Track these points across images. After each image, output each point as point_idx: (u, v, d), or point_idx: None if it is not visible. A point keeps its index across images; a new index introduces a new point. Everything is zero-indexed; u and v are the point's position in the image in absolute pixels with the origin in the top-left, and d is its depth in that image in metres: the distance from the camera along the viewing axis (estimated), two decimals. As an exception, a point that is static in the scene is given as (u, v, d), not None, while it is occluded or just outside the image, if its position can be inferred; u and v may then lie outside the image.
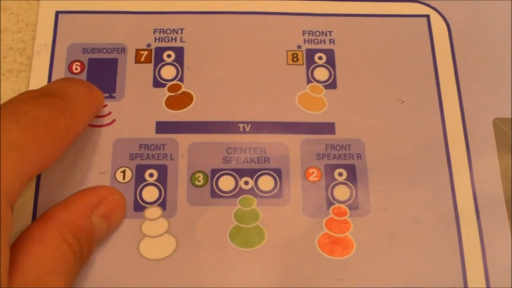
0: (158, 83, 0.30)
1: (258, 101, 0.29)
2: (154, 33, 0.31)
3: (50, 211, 0.24)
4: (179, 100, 0.29)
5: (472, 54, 0.31)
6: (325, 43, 0.31)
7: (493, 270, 0.27)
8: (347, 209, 0.28)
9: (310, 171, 0.28)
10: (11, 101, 0.23)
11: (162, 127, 0.29)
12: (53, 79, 0.29)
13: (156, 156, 0.28)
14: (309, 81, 0.30)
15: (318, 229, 0.27)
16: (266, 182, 0.28)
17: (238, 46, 0.31)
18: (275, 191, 0.28)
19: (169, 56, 0.30)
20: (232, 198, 0.27)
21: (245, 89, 0.30)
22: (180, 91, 0.29)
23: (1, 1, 0.31)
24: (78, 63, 0.30)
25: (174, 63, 0.30)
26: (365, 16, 0.32)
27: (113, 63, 0.30)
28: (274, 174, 0.28)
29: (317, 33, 0.31)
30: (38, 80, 0.29)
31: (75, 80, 0.26)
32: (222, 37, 0.31)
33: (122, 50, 0.30)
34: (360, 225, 0.27)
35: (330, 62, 0.31)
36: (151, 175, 0.28)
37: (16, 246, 0.22)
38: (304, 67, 0.30)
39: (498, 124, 0.29)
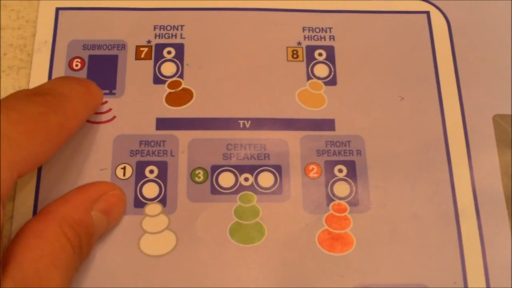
0: (158, 79, 0.30)
1: (258, 98, 0.29)
2: (154, 30, 0.31)
3: (49, 206, 0.24)
4: (179, 96, 0.29)
5: (472, 51, 0.31)
6: (325, 39, 0.31)
7: (492, 267, 0.27)
8: (347, 205, 0.28)
9: (310, 167, 0.28)
10: (2, 99, 0.23)
11: (162, 123, 0.29)
12: (54, 75, 0.29)
13: (156, 153, 0.28)
14: (309, 78, 0.30)
15: (318, 225, 0.27)
16: (266, 179, 0.28)
17: (238, 43, 0.31)
18: (275, 188, 0.28)
19: (169, 52, 0.30)
20: (232, 195, 0.28)
21: (245, 86, 0.30)
22: (180, 88, 0.30)
23: (2, -2, 0.32)
24: (79, 60, 0.30)
25: (174, 59, 0.30)
26: (365, 12, 0.32)
27: (114, 59, 0.30)
28: (274, 171, 0.28)
29: (317, 30, 0.31)
30: (38, 76, 0.29)
31: (71, 79, 0.27)
32: (222, 33, 0.31)
33: (123, 46, 0.30)
34: (360, 222, 0.27)
35: (330, 58, 0.31)
36: (151, 171, 0.28)
37: (16, 240, 0.22)
38: (304, 64, 0.30)
39: (498, 120, 0.29)
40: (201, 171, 0.28)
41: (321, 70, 0.30)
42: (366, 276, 0.26)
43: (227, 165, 0.28)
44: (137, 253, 0.26)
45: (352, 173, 0.28)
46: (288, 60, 0.30)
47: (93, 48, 0.30)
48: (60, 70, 0.30)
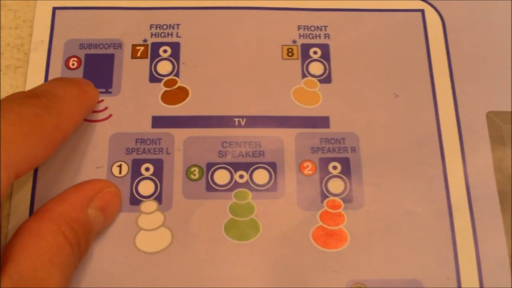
0: (154, 78, 0.30)
1: (253, 96, 0.30)
2: (150, 29, 0.31)
3: (46, 205, 0.25)
4: (175, 95, 0.30)
5: (466, 48, 0.31)
6: (320, 38, 0.31)
7: (485, 262, 0.27)
8: (341, 202, 0.28)
9: (305, 164, 0.28)
10: (2, 101, 0.23)
11: (158, 121, 0.29)
12: (50, 74, 0.30)
13: (152, 151, 0.28)
14: (304, 76, 0.30)
15: (313, 221, 0.27)
16: (261, 176, 0.28)
17: (233, 41, 0.31)
18: (270, 185, 0.28)
19: (165, 51, 0.31)
20: (227, 192, 0.28)
21: (240, 84, 0.30)
22: (176, 86, 0.30)
23: (-1, -2, 0.32)
24: (75, 59, 0.30)
25: (170, 58, 0.30)
26: (360, 11, 0.32)
27: (110, 58, 0.30)
28: (269, 168, 0.28)
29: (312, 28, 0.31)
30: (35, 75, 0.30)
31: (66, 80, 0.27)
32: (217, 32, 0.31)
33: (119, 45, 0.31)
34: (354, 218, 0.28)
35: (325, 56, 0.31)
36: (147, 169, 0.28)
37: (13, 239, 0.23)
38: (299, 62, 0.31)
39: (492, 117, 0.29)
40: (196, 169, 0.28)
41: (316, 68, 0.31)
42: (360, 272, 0.27)
43: (222, 162, 0.28)
44: (133, 250, 0.27)
45: (347, 170, 0.28)
46: (283, 58, 0.31)
47: (90, 47, 0.30)
48: (56, 69, 0.30)
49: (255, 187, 0.28)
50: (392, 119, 0.29)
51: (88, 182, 0.27)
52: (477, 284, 0.27)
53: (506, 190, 0.28)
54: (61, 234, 0.23)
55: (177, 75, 0.30)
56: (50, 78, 0.30)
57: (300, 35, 0.31)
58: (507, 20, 0.32)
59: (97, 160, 0.28)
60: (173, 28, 0.31)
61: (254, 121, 0.29)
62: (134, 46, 0.31)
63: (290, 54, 0.31)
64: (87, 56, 0.30)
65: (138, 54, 0.30)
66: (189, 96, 0.30)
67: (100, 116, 0.29)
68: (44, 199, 0.26)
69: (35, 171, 0.28)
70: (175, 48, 0.31)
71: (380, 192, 0.28)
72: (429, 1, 0.32)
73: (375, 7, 0.32)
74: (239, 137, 0.29)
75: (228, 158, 0.28)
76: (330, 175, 0.28)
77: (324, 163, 0.29)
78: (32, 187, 0.27)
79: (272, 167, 0.28)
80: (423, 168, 0.29)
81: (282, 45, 0.31)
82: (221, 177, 0.28)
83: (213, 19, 0.31)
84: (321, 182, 0.28)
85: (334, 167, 0.28)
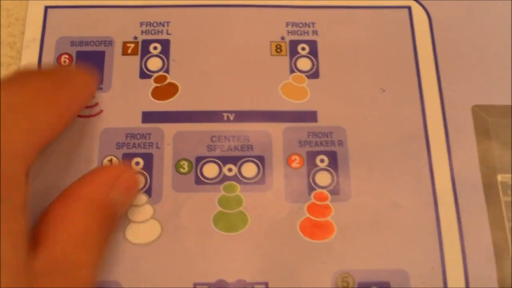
0: (144, 74, 0.30)
1: (242, 91, 0.30)
2: (141, 26, 0.32)
3: (71, 188, 0.25)
4: (165, 90, 0.30)
5: (452, 43, 0.32)
6: (308, 34, 0.32)
7: (470, 252, 0.27)
8: (328, 194, 0.28)
9: (293, 157, 0.29)
10: (12, 74, 0.24)
11: (148, 117, 0.29)
12: (42, 71, 0.30)
13: (142, 145, 0.29)
14: (292, 71, 0.31)
15: (300, 214, 0.28)
16: (249, 169, 0.29)
17: (223, 39, 0.31)
18: (258, 178, 0.28)
19: (155, 48, 0.31)
20: (216, 185, 0.28)
21: (229, 80, 0.30)
22: (166, 82, 0.30)
23: (-9, -3, 0.32)
24: (67, 56, 0.31)
25: (160, 55, 0.31)
26: (348, 8, 0.32)
27: (101, 55, 0.31)
28: (257, 161, 0.29)
29: (300, 25, 0.32)
30: (27, 72, 0.30)
31: (69, 66, 0.28)
32: (207, 29, 0.32)
33: (110, 42, 0.31)
34: (341, 210, 0.28)
35: (313, 52, 0.31)
36: (137, 163, 0.28)
37: (41, 222, 0.23)
38: (287, 58, 0.31)
39: (477, 111, 0.30)
40: (185, 163, 0.29)
41: (304, 63, 0.31)
42: (347, 262, 0.27)
43: (211, 156, 0.29)
44: (122, 242, 0.27)
45: (334, 163, 0.29)
46: (271, 55, 0.31)
47: (81, 44, 0.31)
48: (48, 66, 0.30)
49: (243, 180, 0.28)
50: (379, 114, 0.30)
51: (109, 166, 0.27)
52: (462, 274, 0.27)
53: (491, 182, 0.29)
54: (89, 215, 0.23)
55: (167, 71, 0.30)
56: (41, 74, 0.30)
57: (288, 32, 0.32)
58: (492, 16, 0.32)
59: (88, 154, 0.29)
60: (163, 26, 0.32)
61: (242, 116, 0.30)
62: (124, 43, 0.31)
63: (278, 50, 0.31)
64: (78, 53, 0.31)
65: (129, 51, 0.31)
66: (179, 92, 0.30)
67: (91, 111, 0.29)
68: (34, 193, 0.26)
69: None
70: (165, 45, 0.31)
71: (367, 185, 0.28)
72: (416, -2, 0.33)
73: (362, 4, 0.32)
74: (228, 131, 0.29)
75: (217, 152, 0.29)
76: (318, 168, 0.29)
77: (312, 156, 0.29)
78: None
79: (260, 160, 0.29)
80: (409, 161, 0.29)
81: (271, 42, 0.31)
82: (210, 170, 0.28)
83: (203, 16, 0.32)
84: (308, 175, 0.29)
85: (322, 160, 0.29)
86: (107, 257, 0.27)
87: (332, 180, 0.29)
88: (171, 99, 0.30)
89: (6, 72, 0.31)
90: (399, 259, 0.27)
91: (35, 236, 0.22)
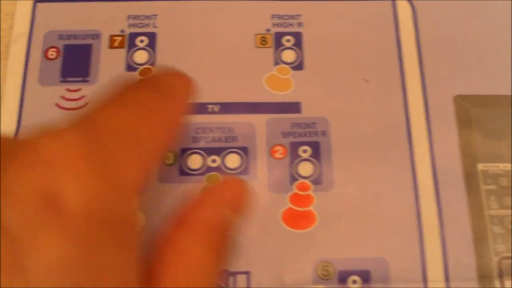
0: (130, 67, 0.31)
1: (226, 83, 0.30)
2: (128, 20, 0.32)
3: (184, 212, 0.23)
4: (151, 83, 0.30)
5: (435, 34, 0.32)
6: (293, 26, 0.32)
7: (450, 241, 0.28)
8: (310, 184, 0.29)
9: (276, 148, 0.29)
10: (116, 90, 0.22)
11: (134, 109, 0.30)
12: (30, 65, 0.31)
13: (128, 137, 0.29)
14: (276, 63, 0.31)
15: (282, 204, 0.28)
16: (233, 160, 0.29)
17: (208, 32, 0.32)
18: (241, 168, 0.29)
19: (141, 41, 0.31)
20: (200, 176, 0.29)
21: (214, 72, 0.31)
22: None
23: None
24: (54, 49, 0.31)
25: (147, 48, 0.31)
26: (333, 0, 0.33)
27: (88, 48, 0.31)
28: (241, 152, 0.29)
29: (286, 17, 0.32)
30: (15, 65, 0.30)
31: (170, 70, 0.25)
32: (193, 22, 0.32)
33: (97, 36, 0.31)
34: (323, 200, 0.28)
35: (298, 44, 0.32)
36: (123, 155, 0.29)
37: (155, 252, 0.21)
38: (272, 50, 0.31)
39: (459, 100, 0.30)
40: (170, 154, 0.29)
41: (289, 55, 0.31)
42: (328, 251, 0.27)
43: (196, 147, 0.29)
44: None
45: (316, 153, 0.29)
46: (256, 47, 0.31)
47: (69, 38, 0.31)
48: (36, 60, 0.31)
49: (227, 171, 0.29)
50: (362, 104, 0.30)
51: (223, 184, 0.24)
52: (441, 263, 0.27)
53: (472, 171, 0.29)
54: (205, 244, 0.21)
55: (153, 64, 0.31)
56: (29, 68, 0.31)
57: (273, 24, 0.32)
58: (475, 7, 0.33)
59: (75, 147, 0.29)
60: (150, 19, 0.32)
61: (227, 108, 0.30)
62: (111, 36, 0.31)
63: (263, 42, 0.32)
64: (66, 46, 0.31)
65: (116, 44, 0.31)
66: (165, 84, 0.30)
67: (77, 104, 0.30)
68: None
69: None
70: (152, 38, 0.31)
71: (349, 175, 0.29)
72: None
73: (347, -4, 0.33)
74: (213, 123, 0.30)
75: (202, 144, 0.29)
76: (300, 158, 0.29)
77: (295, 147, 0.29)
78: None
79: (244, 151, 0.29)
80: (391, 151, 0.29)
81: (256, 34, 0.32)
82: (194, 161, 0.29)
83: (190, 10, 0.32)
84: (291, 166, 0.29)
85: (305, 151, 0.29)
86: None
87: (315, 170, 0.29)
88: (156, 92, 0.30)
89: (-5, 66, 0.31)
90: (379, 248, 0.28)
91: (150, 266, 0.20)
